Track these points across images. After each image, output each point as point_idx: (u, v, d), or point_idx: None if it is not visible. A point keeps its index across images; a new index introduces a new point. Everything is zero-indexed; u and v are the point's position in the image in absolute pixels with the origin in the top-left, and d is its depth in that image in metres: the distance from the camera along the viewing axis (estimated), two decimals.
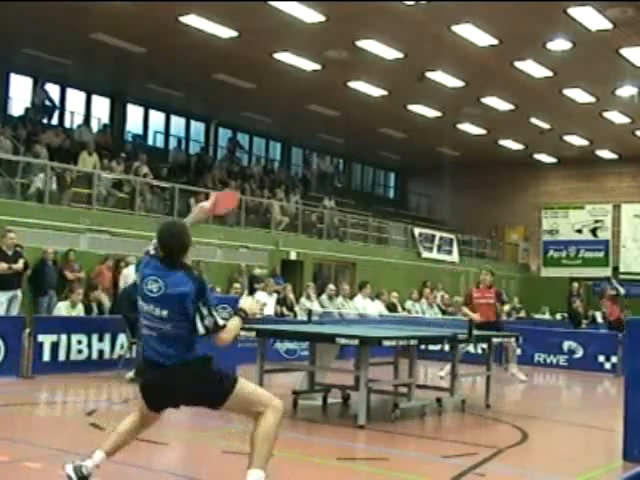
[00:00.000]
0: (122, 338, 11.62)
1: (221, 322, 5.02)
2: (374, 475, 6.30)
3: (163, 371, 5.05)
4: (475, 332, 9.60)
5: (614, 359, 14.84)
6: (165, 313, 4.94)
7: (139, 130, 25.23)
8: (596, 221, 29.70)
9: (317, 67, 20.05)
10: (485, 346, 11.51)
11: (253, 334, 9.07)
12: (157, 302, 4.94)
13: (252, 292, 17.61)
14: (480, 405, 9.78)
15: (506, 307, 14.27)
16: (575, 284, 24.64)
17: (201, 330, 5.01)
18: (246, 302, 5.29)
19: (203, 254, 17.87)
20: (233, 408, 5.30)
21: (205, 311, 4.95)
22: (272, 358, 11.59)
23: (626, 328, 7.49)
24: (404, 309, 20.45)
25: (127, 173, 19.15)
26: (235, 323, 5.13)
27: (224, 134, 27.48)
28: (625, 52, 18.23)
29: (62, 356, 11.20)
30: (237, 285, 16.81)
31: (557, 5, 15.55)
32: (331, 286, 18.24)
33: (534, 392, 13.29)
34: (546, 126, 25.48)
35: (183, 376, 5.06)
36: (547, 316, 25.89)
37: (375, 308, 18.47)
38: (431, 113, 24.42)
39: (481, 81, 20.99)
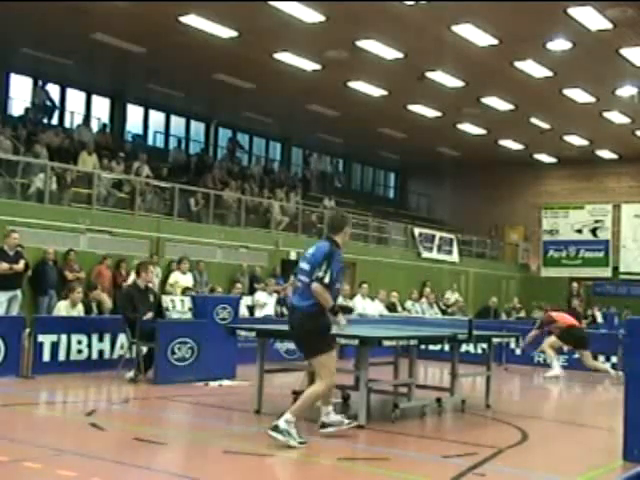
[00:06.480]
0: (122, 338, 11.60)
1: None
2: (374, 475, 6.30)
3: None
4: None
5: (614, 359, 14.84)
6: None
7: (139, 130, 25.23)
8: (596, 221, 29.68)
9: (317, 67, 20.04)
10: (485, 346, 11.51)
11: (253, 334, 9.06)
12: None
13: (252, 292, 17.63)
14: (480, 405, 9.78)
15: None
16: (575, 284, 24.65)
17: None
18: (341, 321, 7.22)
19: (203, 254, 17.88)
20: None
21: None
22: (272, 358, 11.58)
23: (626, 328, 7.49)
24: (404, 309, 20.45)
25: (127, 173, 19.15)
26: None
27: (224, 134, 27.49)
28: (625, 52, 18.22)
29: (62, 356, 11.17)
30: (239, 285, 16.83)
31: (557, 5, 15.56)
32: None
33: (534, 392, 13.29)
34: (546, 126, 25.47)
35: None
36: None
37: (375, 308, 18.48)
38: (431, 113, 24.42)
39: (481, 81, 20.99)
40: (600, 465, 6.97)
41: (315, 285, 6.89)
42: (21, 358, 10.67)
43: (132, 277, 13.63)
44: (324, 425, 7.34)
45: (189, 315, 11.52)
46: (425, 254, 25.91)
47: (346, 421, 7.37)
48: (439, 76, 20.57)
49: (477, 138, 27.28)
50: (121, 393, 10.07)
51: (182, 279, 15.53)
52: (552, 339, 14.29)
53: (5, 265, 12.12)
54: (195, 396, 9.76)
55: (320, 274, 6.85)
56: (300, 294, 7.15)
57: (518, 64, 19.42)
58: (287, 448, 6.64)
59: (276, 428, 6.72)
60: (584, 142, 27.55)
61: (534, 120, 24.81)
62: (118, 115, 24.16)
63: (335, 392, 9.32)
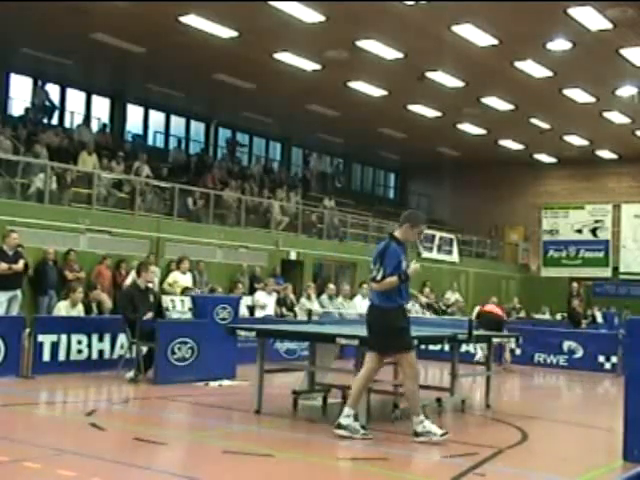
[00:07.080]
0: (122, 338, 11.59)
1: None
2: (374, 475, 6.29)
3: None
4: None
5: (614, 359, 14.85)
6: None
7: (139, 130, 25.23)
8: (596, 221, 29.69)
9: (317, 67, 20.05)
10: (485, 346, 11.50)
11: (253, 334, 9.05)
12: None
13: (252, 292, 17.62)
14: (480, 405, 9.78)
15: None
16: (575, 284, 24.63)
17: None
18: (412, 268, 7.34)
19: (203, 254, 17.88)
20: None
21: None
22: (272, 358, 11.59)
23: (626, 328, 7.48)
24: None
25: (127, 173, 19.15)
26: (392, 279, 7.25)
27: (224, 134, 27.49)
28: (625, 52, 18.22)
29: (62, 356, 11.17)
30: (240, 286, 16.81)
31: (557, 5, 15.56)
32: (331, 286, 18.22)
33: (534, 392, 13.29)
34: (546, 126, 25.47)
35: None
36: (547, 316, 25.89)
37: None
38: (431, 113, 24.42)
39: (481, 81, 20.99)
40: (600, 465, 6.97)
41: (372, 285, 7.54)
42: (21, 358, 10.67)
43: (131, 277, 13.63)
44: (339, 426, 7.30)
45: (189, 315, 11.51)
46: (425, 254, 25.89)
47: (362, 431, 7.29)
48: (439, 76, 20.57)
49: (477, 138, 27.28)
50: (121, 393, 10.07)
51: (182, 279, 15.51)
52: None
53: (4, 265, 12.11)
54: (195, 396, 9.76)
55: (374, 273, 7.40)
56: (374, 293, 7.62)
57: (518, 64, 19.42)
58: (286, 449, 6.63)
59: (415, 433, 7.24)
60: (584, 142, 27.55)
61: (534, 120, 24.81)
62: (118, 115, 24.17)
63: (335, 392, 9.36)
